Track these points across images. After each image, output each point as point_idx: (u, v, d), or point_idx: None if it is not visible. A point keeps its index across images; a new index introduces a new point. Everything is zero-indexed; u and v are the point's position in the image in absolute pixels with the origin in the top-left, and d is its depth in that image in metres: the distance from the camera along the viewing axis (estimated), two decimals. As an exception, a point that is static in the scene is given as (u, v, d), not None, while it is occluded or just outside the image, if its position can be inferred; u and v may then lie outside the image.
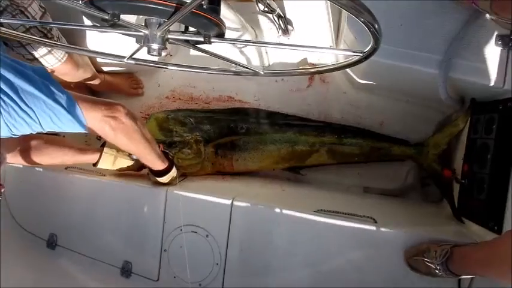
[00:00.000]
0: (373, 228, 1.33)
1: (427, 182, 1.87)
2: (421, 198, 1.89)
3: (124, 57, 1.11)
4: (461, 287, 1.27)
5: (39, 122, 1.03)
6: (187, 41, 1.01)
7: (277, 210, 1.40)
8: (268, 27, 1.88)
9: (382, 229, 1.33)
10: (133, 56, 1.06)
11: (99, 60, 1.95)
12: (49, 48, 1.52)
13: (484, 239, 1.24)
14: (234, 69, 1.32)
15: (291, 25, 1.85)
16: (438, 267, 1.17)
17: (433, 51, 1.35)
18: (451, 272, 1.16)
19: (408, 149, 1.81)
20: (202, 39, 0.93)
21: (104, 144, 1.60)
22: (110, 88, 2.09)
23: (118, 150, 1.59)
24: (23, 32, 1.37)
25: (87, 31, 1.76)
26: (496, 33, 1.28)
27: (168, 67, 1.36)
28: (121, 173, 1.66)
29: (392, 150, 1.83)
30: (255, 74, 1.15)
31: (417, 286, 1.30)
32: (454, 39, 1.32)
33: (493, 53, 1.30)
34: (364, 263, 1.35)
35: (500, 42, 1.27)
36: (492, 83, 1.32)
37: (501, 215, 1.23)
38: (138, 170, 1.67)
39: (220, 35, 0.96)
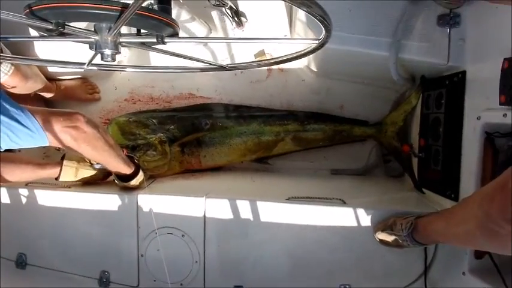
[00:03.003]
0: (343, 209, 1.39)
1: (388, 159, 1.96)
2: (384, 175, 1.98)
3: (79, 63, 1.07)
4: (427, 254, 1.36)
5: None
6: (143, 43, 1.00)
7: (250, 202, 1.42)
8: (221, 21, 1.87)
9: (351, 209, 1.39)
10: (92, 62, 1.03)
11: (49, 68, 1.87)
12: None
13: (444, 207, 1.33)
14: (195, 66, 1.30)
15: (245, 17, 1.85)
16: (405, 239, 1.24)
17: (381, 34, 1.41)
18: (417, 242, 1.24)
19: (368, 128, 1.90)
20: (155, 40, 0.92)
21: (64, 157, 1.55)
22: (64, 96, 2.00)
23: (79, 161, 1.55)
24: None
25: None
26: (437, 14, 1.36)
27: (128, 69, 1.32)
28: (86, 183, 1.61)
29: (354, 132, 1.90)
30: (221, 69, 1.14)
31: (388, 258, 1.38)
32: (400, 22, 1.38)
33: (435, 32, 1.37)
34: (337, 243, 1.41)
35: (441, 21, 1.35)
36: (437, 60, 1.39)
37: (456, 183, 1.32)
38: (103, 178, 1.63)
39: (174, 35, 0.95)
